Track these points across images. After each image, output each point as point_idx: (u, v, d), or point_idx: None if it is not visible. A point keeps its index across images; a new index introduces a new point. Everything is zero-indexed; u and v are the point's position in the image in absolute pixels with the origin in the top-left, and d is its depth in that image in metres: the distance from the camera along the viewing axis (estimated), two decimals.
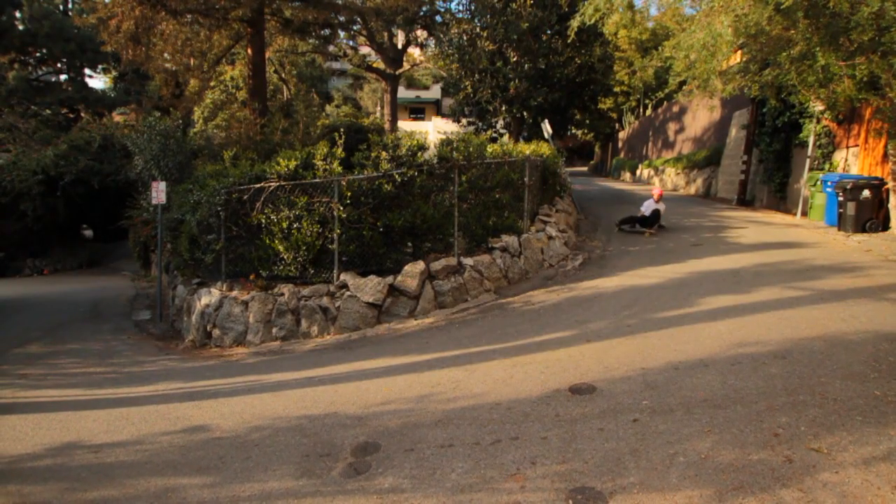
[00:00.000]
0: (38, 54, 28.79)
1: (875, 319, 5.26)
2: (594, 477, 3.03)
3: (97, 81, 36.49)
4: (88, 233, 24.60)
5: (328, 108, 37.84)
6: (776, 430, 3.30)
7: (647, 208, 11.88)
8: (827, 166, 12.41)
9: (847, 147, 12.00)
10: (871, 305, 5.75)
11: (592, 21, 10.40)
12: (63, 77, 30.23)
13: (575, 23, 10.61)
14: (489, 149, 9.95)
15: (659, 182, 24.53)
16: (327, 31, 20.53)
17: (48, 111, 27.63)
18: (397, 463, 3.47)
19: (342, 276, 8.20)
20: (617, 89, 29.63)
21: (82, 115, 29.27)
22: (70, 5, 29.96)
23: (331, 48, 23.21)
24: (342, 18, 19.14)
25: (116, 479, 3.63)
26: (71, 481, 3.64)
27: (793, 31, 8.48)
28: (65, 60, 29.08)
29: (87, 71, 30.91)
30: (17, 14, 27.69)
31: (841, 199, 10.34)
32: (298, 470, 3.52)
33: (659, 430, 3.47)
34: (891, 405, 3.45)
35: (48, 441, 4.41)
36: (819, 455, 2.98)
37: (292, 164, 8.38)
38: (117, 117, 30.17)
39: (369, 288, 8.00)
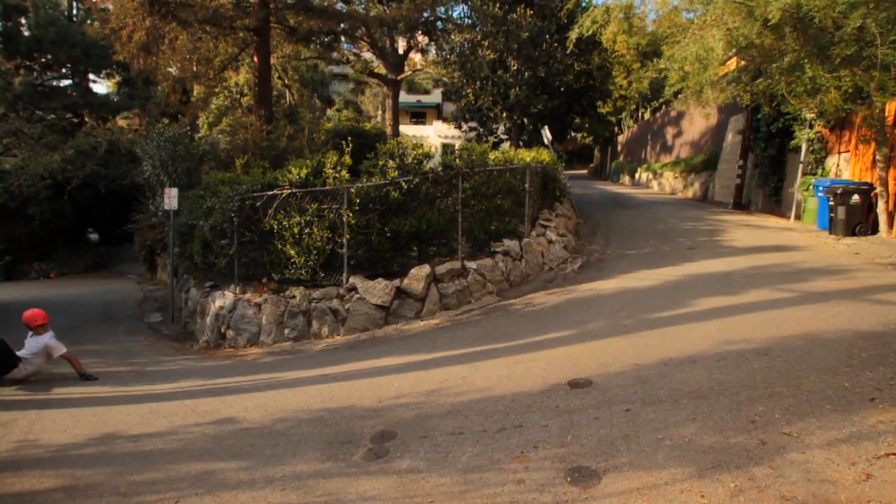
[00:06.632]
0: (43, 60, 29.23)
1: (854, 319, 5.62)
2: (590, 458, 3.41)
3: (101, 86, 36.85)
4: (94, 236, 24.91)
5: (329, 112, 38.28)
6: (753, 417, 3.67)
7: None
8: (820, 171, 12.77)
9: (839, 152, 12.37)
10: (853, 306, 6.11)
11: (590, 32, 10.81)
12: (67, 82, 30.66)
13: (573, 34, 11.03)
14: (491, 156, 10.34)
15: (657, 185, 24.91)
16: (331, 38, 20.95)
17: (53, 116, 27.96)
18: (413, 448, 3.85)
19: (351, 279, 8.58)
20: (616, 94, 30.03)
21: (86, 119, 29.70)
22: (75, 11, 30.39)
23: (333, 54, 23.60)
24: (345, 26, 19.53)
25: (158, 464, 4.00)
26: (116, 466, 4.01)
27: (782, 43, 8.88)
28: (69, 66, 29.51)
29: (91, 76, 31.36)
30: (23, 20, 28.13)
31: (832, 203, 10.70)
32: (324, 455, 3.90)
33: (649, 418, 3.85)
34: (857, 395, 3.83)
35: (88, 432, 4.78)
36: (790, 438, 3.35)
37: (303, 171, 8.77)
38: (121, 122, 30.60)
39: (377, 290, 8.37)
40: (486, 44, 16.82)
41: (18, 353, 6.61)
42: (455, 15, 22.46)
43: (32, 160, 19.70)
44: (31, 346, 6.65)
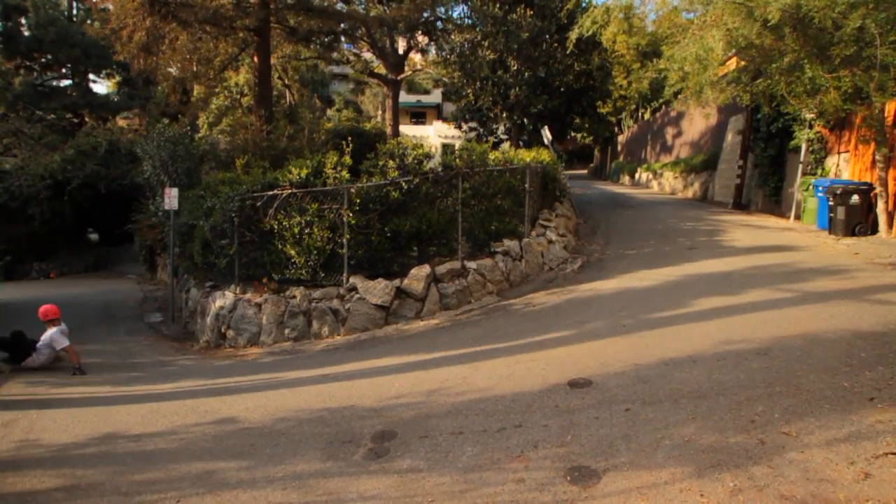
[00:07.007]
0: (43, 60, 29.23)
1: (854, 319, 5.63)
2: (590, 458, 3.42)
3: (101, 86, 36.88)
4: (94, 236, 24.91)
5: (329, 112, 38.28)
6: (752, 417, 3.69)
7: None
8: (819, 171, 12.79)
9: (839, 153, 12.38)
10: (852, 306, 6.12)
11: (590, 32, 10.83)
12: (67, 82, 30.67)
13: (573, 34, 11.05)
14: (491, 156, 10.36)
15: (657, 185, 24.91)
16: (331, 38, 20.97)
17: (53, 116, 27.94)
18: (413, 448, 3.86)
19: (351, 280, 8.59)
20: (616, 94, 30.05)
21: (86, 119, 29.72)
22: (75, 11, 30.41)
23: (334, 54, 23.62)
24: (345, 26, 19.53)
25: (159, 464, 4.02)
26: (117, 466, 4.03)
27: (782, 44, 8.89)
28: (69, 66, 29.52)
29: (91, 76, 31.38)
30: (23, 20, 28.15)
31: (831, 203, 10.71)
32: (324, 454, 3.92)
33: (648, 418, 3.86)
34: (856, 395, 3.84)
35: (89, 432, 4.80)
36: (789, 438, 3.36)
37: (304, 172, 8.78)
38: (121, 122, 30.62)
39: (377, 290, 8.38)
40: (486, 44, 16.83)
41: (37, 344, 7.51)
42: (455, 15, 22.46)
43: (32, 160, 19.69)
44: (43, 338, 7.51)
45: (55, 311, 7.58)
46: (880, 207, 10.12)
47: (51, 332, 7.45)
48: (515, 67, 16.75)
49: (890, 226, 9.99)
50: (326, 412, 4.77)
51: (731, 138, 17.77)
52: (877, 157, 9.97)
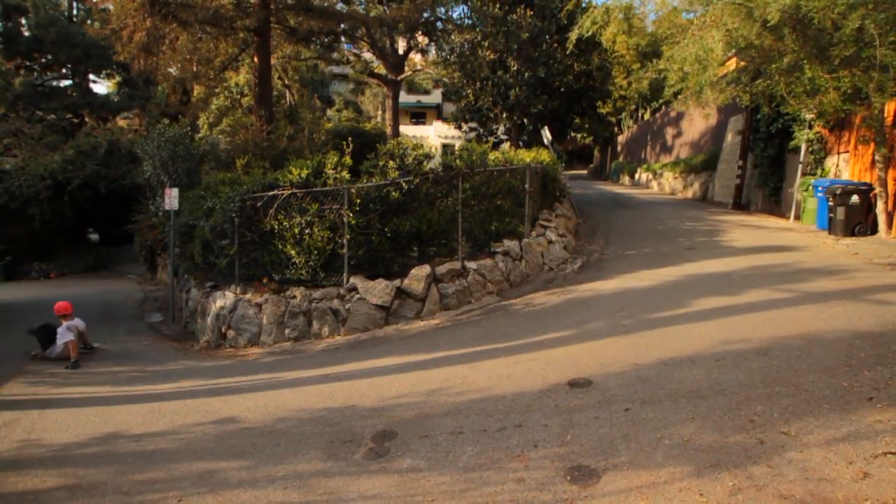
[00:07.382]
0: (43, 60, 29.22)
1: (853, 319, 5.64)
2: (590, 457, 3.44)
3: (101, 87, 36.88)
4: (94, 236, 24.91)
5: (329, 113, 38.27)
6: (752, 416, 3.70)
7: None
8: (819, 172, 12.79)
9: (838, 153, 12.39)
10: (851, 306, 6.13)
11: (590, 33, 10.85)
12: (68, 82, 30.68)
13: (573, 34, 11.07)
14: (491, 157, 10.36)
15: (657, 185, 24.92)
16: (331, 38, 21.00)
17: (53, 116, 27.93)
18: (413, 447, 3.88)
19: (351, 280, 8.60)
20: (616, 94, 30.06)
21: (86, 119, 29.73)
22: (75, 12, 30.43)
23: (334, 55, 23.64)
24: (345, 27, 19.55)
25: (160, 463, 4.03)
26: (119, 465, 4.04)
27: (781, 44, 8.91)
28: (70, 66, 29.52)
29: (91, 76, 31.39)
30: (24, 20, 28.16)
31: (831, 203, 10.72)
32: (325, 454, 3.93)
33: (648, 418, 3.87)
34: (855, 395, 3.85)
35: (90, 432, 4.81)
36: (788, 437, 3.38)
37: (304, 172, 8.79)
38: (121, 122, 30.64)
39: (377, 291, 8.40)
40: (486, 44, 16.86)
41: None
42: (455, 15, 22.49)
43: (33, 160, 19.70)
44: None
45: (66, 307, 8.53)
46: (880, 207, 10.13)
47: (62, 326, 8.29)
48: (515, 68, 16.77)
49: (889, 226, 10.00)
50: (327, 412, 4.79)
51: (730, 138, 17.77)
52: (876, 158, 9.98)
